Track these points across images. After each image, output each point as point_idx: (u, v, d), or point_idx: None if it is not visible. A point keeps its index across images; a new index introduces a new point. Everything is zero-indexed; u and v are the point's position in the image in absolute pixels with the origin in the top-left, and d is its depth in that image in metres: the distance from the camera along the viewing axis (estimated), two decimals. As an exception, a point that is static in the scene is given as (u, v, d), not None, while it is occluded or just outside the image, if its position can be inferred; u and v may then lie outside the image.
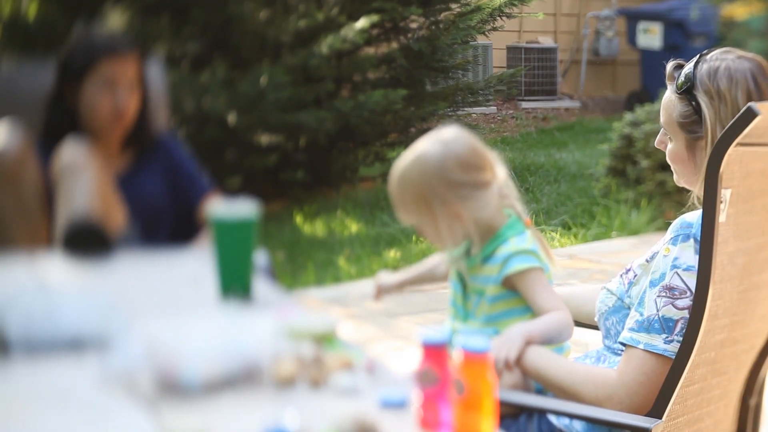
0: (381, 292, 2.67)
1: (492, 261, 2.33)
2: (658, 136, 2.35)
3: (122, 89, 3.08)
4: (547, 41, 12.01)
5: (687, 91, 2.22)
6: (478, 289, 2.36)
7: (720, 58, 2.22)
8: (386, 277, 2.69)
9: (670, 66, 2.30)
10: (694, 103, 2.21)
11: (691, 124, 2.23)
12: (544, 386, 2.28)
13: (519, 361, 2.24)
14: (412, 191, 2.33)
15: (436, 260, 2.64)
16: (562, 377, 2.23)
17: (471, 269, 2.37)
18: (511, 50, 11.57)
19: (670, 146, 2.30)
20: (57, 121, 3.11)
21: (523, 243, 2.32)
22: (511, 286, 2.32)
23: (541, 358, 2.25)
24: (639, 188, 6.97)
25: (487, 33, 8.32)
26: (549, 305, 2.29)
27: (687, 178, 2.29)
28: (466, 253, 2.40)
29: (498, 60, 11.38)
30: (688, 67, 2.24)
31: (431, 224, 2.34)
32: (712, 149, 2.07)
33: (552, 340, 2.29)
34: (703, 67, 2.21)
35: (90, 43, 3.11)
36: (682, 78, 2.24)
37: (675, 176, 2.34)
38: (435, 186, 2.30)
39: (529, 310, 2.32)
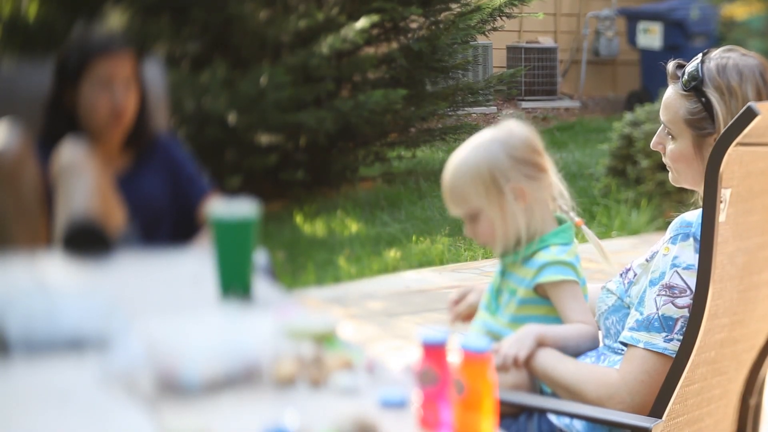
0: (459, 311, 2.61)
1: (530, 264, 2.33)
2: (656, 138, 2.34)
3: (119, 87, 3.08)
4: (547, 41, 12.02)
5: (695, 89, 2.21)
6: (511, 288, 2.36)
7: (726, 56, 2.22)
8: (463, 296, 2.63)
9: (672, 65, 2.30)
10: (703, 99, 2.20)
11: (700, 121, 2.22)
12: (548, 386, 2.28)
13: (528, 362, 2.24)
14: (474, 174, 2.33)
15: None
16: (566, 377, 2.23)
17: (510, 265, 2.37)
18: (511, 50, 11.57)
19: (673, 146, 2.29)
20: (56, 123, 3.11)
21: (562, 254, 2.32)
22: (543, 294, 2.32)
23: (547, 358, 2.25)
24: (639, 188, 6.97)
25: (487, 33, 8.33)
26: (576, 318, 2.30)
27: (692, 177, 2.27)
28: (512, 249, 2.40)
29: (498, 60, 11.38)
30: (693, 65, 2.24)
31: (490, 207, 2.34)
32: (712, 149, 2.07)
33: (567, 350, 2.28)
34: (711, 64, 2.21)
35: (83, 44, 3.11)
36: (688, 76, 2.23)
37: (673, 176, 2.33)
38: (502, 162, 2.32)
39: (556, 321, 2.32)
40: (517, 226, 2.34)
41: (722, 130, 2.18)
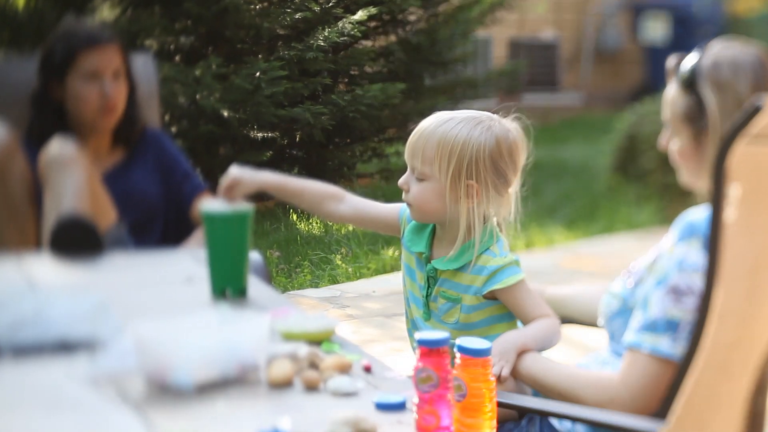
0: (237, 191, 2.36)
1: (474, 271, 2.31)
2: (662, 135, 2.34)
3: (107, 80, 3.07)
4: (549, 34, 12.01)
5: (690, 84, 2.22)
6: (450, 296, 2.34)
7: (723, 50, 2.22)
8: (246, 173, 2.40)
9: (671, 61, 2.30)
10: (698, 95, 2.21)
11: (696, 117, 2.23)
12: (541, 393, 2.28)
13: (514, 371, 2.24)
14: (451, 147, 2.27)
15: (318, 185, 2.52)
16: (561, 382, 2.23)
17: (442, 272, 2.35)
18: (513, 43, 11.57)
19: (675, 143, 2.29)
20: (44, 118, 3.11)
21: (505, 253, 2.31)
22: (491, 296, 2.32)
23: (536, 365, 2.25)
24: (644, 183, 6.98)
25: (487, 25, 8.33)
26: (538, 312, 2.30)
27: (693, 174, 2.28)
28: (428, 250, 2.38)
29: (499, 53, 11.38)
30: (691, 59, 2.24)
31: (434, 183, 2.29)
32: (718, 145, 2.07)
33: (545, 347, 2.29)
34: (707, 59, 2.22)
35: (68, 38, 3.11)
36: (684, 71, 2.24)
37: (681, 175, 2.33)
38: (481, 158, 2.27)
39: (507, 318, 2.32)
40: (446, 219, 2.32)
41: (715, 126, 2.18)
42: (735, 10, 10.95)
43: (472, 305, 2.32)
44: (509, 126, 2.33)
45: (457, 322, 2.33)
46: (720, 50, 2.23)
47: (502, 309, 2.32)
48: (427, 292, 2.37)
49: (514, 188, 2.34)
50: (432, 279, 2.37)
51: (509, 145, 2.30)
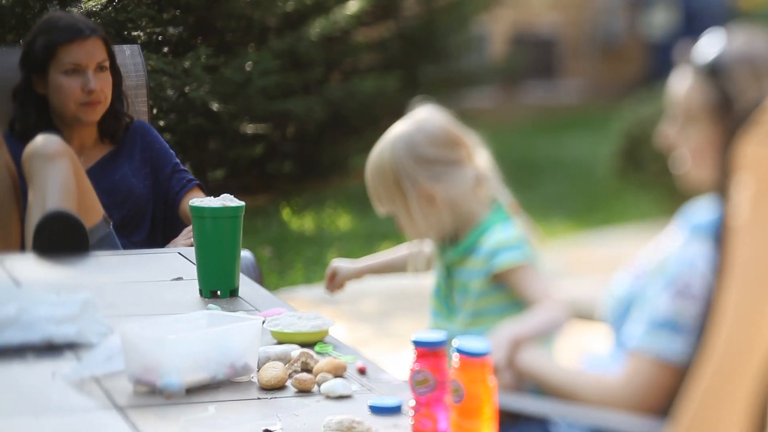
0: (337, 280, 2.68)
1: (476, 253, 2.34)
2: (665, 131, 2.32)
3: (91, 73, 3.06)
4: (551, 25, 12.02)
5: (714, 75, 2.19)
6: (462, 284, 2.37)
7: (743, 39, 2.21)
8: (343, 264, 2.70)
9: (682, 52, 2.28)
10: (723, 86, 2.18)
11: (720, 109, 2.20)
12: (542, 388, 2.29)
13: (514, 364, 2.25)
14: (383, 174, 2.37)
15: (404, 251, 2.64)
16: (562, 381, 2.23)
17: (455, 262, 2.38)
18: (513, 34, 11.56)
19: (687, 139, 2.26)
20: (26, 111, 3.10)
21: (507, 232, 2.33)
22: (499, 280, 2.33)
23: (537, 363, 2.25)
24: (647, 176, 6.99)
25: (487, 16, 8.33)
26: (538, 298, 2.31)
27: (706, 171, 2.25)
28: (450, 243, 2.41)
29: (499, 44, 11.38)
30: (710, 50, 2.21)
31: (404, 210, 2.36)
32: (726, 139, 2.06)
33: (546, 335, 2.31)
34: (730, 49, 2.19)
35: (49, 31, 3.10)
36: (705, 61, 2.21)
37: (691, 172, 2.30)
38: (405, 164, 2.34)
39: (519, 306, 2.33)
40: (436, 227, 2.37)
41: (742, 119, 2.17)
42: (740, 3, 10.98)
43: (480, 290, 2.34)
44: (418, 117, 2.40)
45: (471, 312, 2.36)
46: (740, 40, 2.21)
47: (514, 297, 2.34)
48: (448, 285, 2.41)
49: (472, 154, 2.38)
50: (448, 274, 2.41)
51: (426, 130, 2.37)
